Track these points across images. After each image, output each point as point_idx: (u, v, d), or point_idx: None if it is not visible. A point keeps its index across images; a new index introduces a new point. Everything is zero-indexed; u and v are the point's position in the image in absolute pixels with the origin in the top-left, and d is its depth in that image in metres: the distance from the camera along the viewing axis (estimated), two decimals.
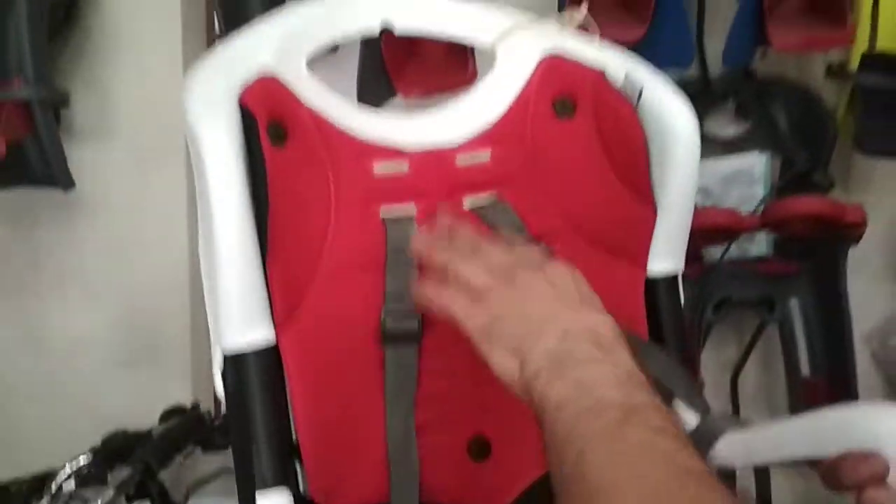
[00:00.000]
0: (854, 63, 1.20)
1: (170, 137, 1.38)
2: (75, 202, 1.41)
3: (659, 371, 0.69)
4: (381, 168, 0.70)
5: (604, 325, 0.54)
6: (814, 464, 0.57)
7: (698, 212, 1.26)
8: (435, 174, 0.71)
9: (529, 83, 0.74)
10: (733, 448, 0.66)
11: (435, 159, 0.72)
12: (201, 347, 1.49)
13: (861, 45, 1.18)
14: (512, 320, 0.55)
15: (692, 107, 0.75)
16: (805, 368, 1.35)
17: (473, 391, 0.69)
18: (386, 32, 0.76)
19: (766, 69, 1.37)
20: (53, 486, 1.11)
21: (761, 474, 1.25)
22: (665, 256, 0.75)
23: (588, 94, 0.74)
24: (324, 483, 0.66)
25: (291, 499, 0.63)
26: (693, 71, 1.33)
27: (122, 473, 1.10)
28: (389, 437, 0.67)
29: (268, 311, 0.66)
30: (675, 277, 0.76)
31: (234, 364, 0.64)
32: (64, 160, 1.25)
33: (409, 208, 0.70)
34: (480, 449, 0.71)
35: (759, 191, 1.34)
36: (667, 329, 0.75)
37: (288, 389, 0.66)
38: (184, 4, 1.38)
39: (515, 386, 0.54)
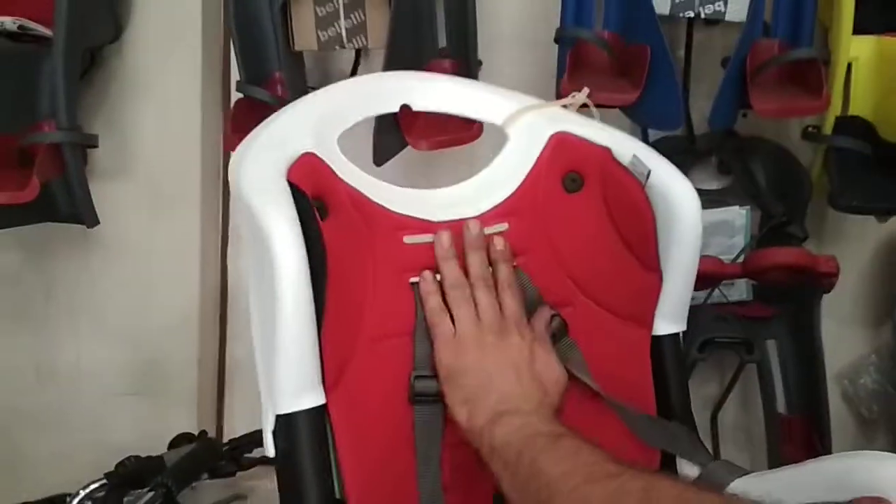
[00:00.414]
0: (828, 126, 1.29)
1: (185, 181, 1.45)
2: (91, 237, 1.46)
3: (664, 438, 0.79)
4: (410, 239, 0.76)
5: (537, 394, 0.69)
6: None
7: None
8: (459, 244, 0.78)
9: (540, 159, 0.81)
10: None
11: (459, 230, 0.78)
12: (206, 380, 1.54)
13: (835, 110, 1.28)
14: (471, 373, 0.70)
15: (681, 169, 0.84)
16: (781, 406, 1.43)
17: None
18: (404, 107, 0.84)
19: (746, 129, 1.47)
20: None
21: None
22: (669, 319, 0.83)
23: (596, 169, 0.81)
24: None
25: None
26: (679, 130, 1.44)
27: (141, 498, 1.14)
28: (421, 493, 0.72)
29: (319, 376, 0.69)
30: (677, 335, 0.84)
31: (286, 424, 0.67)
32: (90, 199, 1.30)
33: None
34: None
35: (740, 241, 1.43)
36: (672, 381, 0.83)
37: (334, 448, 0.70)
38: (203, 53, 1.45)
39: (463, 428, 0.70)
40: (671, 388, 0.83)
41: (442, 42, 1.25)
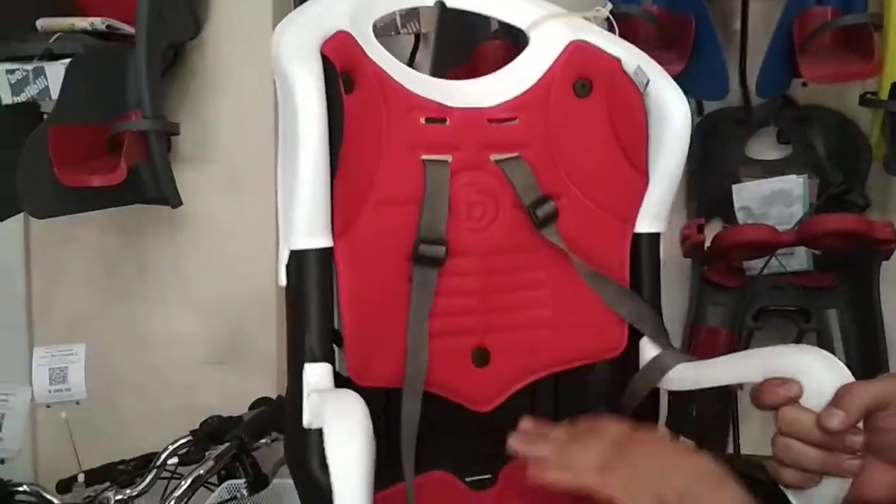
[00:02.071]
0: (884, 91, 1.28)
1: (261, 164, 1.54)
2: (177, 218, 1.59)
3: (633, 312, 0.88)
4: (426, 121, 0.84)
5: (704, 462, 0.67)
6: None
7: (739, 228, 1.38)
8: (470, 131, 0.86)
9: (556, 63, 0.89)
10: (684, 375, 0.83)
11: (471, 118, 0.86)
12: (284, 349, 1.65)
13: (891, 75, 1.26)
14: (640, 476, 0.67)
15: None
16: None
17: (480, 310, 0.86)
18: (440, 5, 0.91)
19: (805, 98, 1.47)
20: (158, 462, 1.27)
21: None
22: (651, 219, 0.90)
23: (606, 78, 0.88)
24: (356, 365, 0.79)
25: (332, 372, 0.76)
26: (737, 100, 1.45)
27: (219, 449, 1.25)
28: (409, 338, 0.81)
29: (329, 222, 0.77)
30: (657, 236, 0.91)
31: (298, 259, 0.77)
32: (173, 182, 1.43)
33: (445, 157, 0.84)
34: (482, 358, 0.86)
35: (799, 210, 1.43)
36: (645, 275, 0.91)
37: (336, 287, 0.78)
38: None
39: None
40: (644, 283, 0.90)
41: None
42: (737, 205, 1.45)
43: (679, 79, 1.25)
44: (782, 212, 1.45)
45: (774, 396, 0.66)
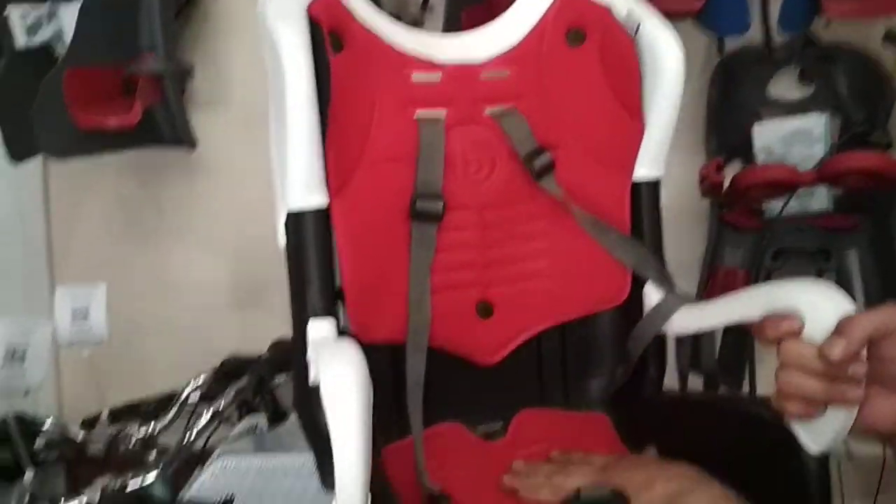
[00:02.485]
0: None
1: None
2: (195, 162, 1.59)
3: (635, 259, 0.88)
4: (418, 77, 0.84)
5: (685, 468, 0.70)
6: None
7: (759, 168, 1.37)
8: (462, 85, 0.85)
9: (547, 14, 0.88)
10: (688, 318, 0.83)
11: (463, 73, 0.86)
12: None
13: None
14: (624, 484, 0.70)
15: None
16: None
17: (481, 264, 0.86)
18: None
19: (828, 36, 1.44)
20: (180, 399, 1.30)
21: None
22: (649, 165, 0.90)
23: (597, 27, 0.87)
24: (359, 321, 0.80)
25: (336, 327, 0.77)
26: (758, 38, 1.42)
27: (239, 383, 1.27)
28: (410, 293, 0.82)
29: (324, 182, 0.78)
30: (656, 183, 0.90)
31: (296, 219, 0.78)
32: (188, 124, 1.43)
33: (439, 113, 0.84)
34: (485, 311, 0.87)
35: (820, 150, 1.40)
36: (646, 221, 0.90)
37: (335, 246, 0.79)
38: None
39: None
40: (645, 229, 0.90)
41: None
42: (757, 145, 1.43)
43: (699, 14, 1.25)
44: (803, 152, 1.42)
45: (775, 331, 0.66)
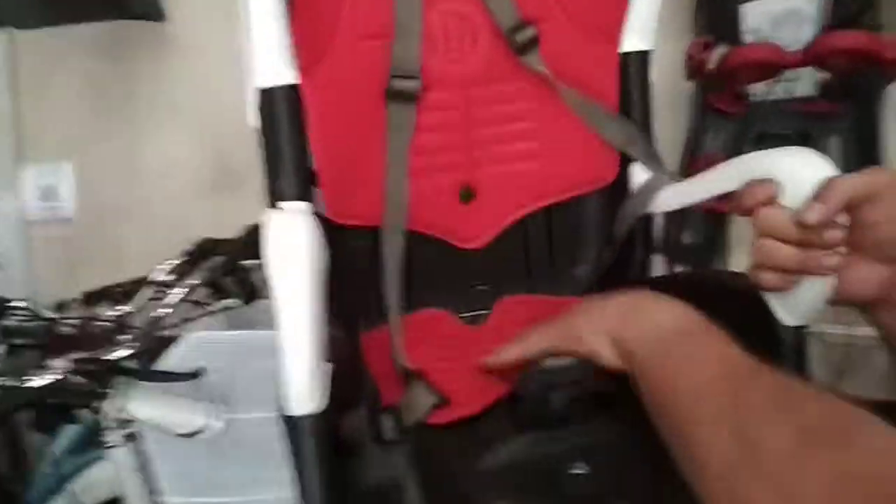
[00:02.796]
0: None
1: None
2: (169, 39, 1.53)
3: (623, 138, 0.84)
4: None
5: (642, 293, 0.65)
6: None
7: (745, 48, 1.34)
8: None
9: None
10: (672, 195, 0.80)
11: None
12: None
13: None
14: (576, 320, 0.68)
15: None
16: None
17: (463, 145, 0.83)
18: None
19: None
20: (153, 280, 1.28)
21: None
22: (638, 36, 0.85)
23: None
24: (335, 204, 0.78)
25: (310, 209, 0.75)
26: None
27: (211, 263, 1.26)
28: (387, 174, 0.79)
29: (294, 58, 0.75)
30: (645, 54, 0.86)
31: (267, 96, 0.75)
32: None
33: None
34: (469, 194, 0.84)
35: (809, 32, 1.37)
36: (634, 97, 0.86)
37: (308, 128, 0.76)
38: None
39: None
40: (634, 106, 0.86)
41: None
42: (744, 25, 1.39)
43: None
44: (792, 34, 1.39)
45: (751, 198, 0.62)
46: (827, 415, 0.46)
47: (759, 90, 1.42)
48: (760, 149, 1.34)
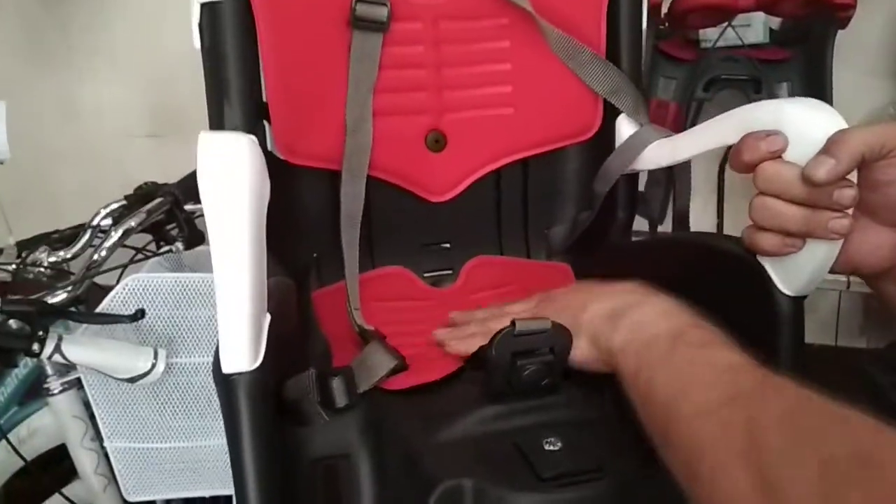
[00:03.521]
0: None
1: None
2: None
3: (610, 86, 0.77)
4: None
5: (631, 288, 0.60)
6: None
7: None
8: None
9: None
10: (660, 150, 0.73)
11: None
12: None
13: None
14: (562, 308, 0.62)
15: None
16: None
17: (433, 86, 0.76)
18: None
19: None
20: (91, 224, 1.23)
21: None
22: None
23: None
24: (287, 140, 0.71)
25: (257, 145, 0.63)
26: None
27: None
28: (348, 111, 0.72)
29: None
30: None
31: (210, 13, 0.67)
32: None
33: None
34: (437, 142, 0.77)
35: None
36: (623, 41, 0.78)
37: (260, 52, 0.68)
38: None
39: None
40: (623, 50, 0.78)
41: None
42: None
43: None
44: None
45: (754, 151, 0.55)
46: (849, 441, 0.40)
47: (710, 35, 1.41)
48: (710, 96, 1.38)
